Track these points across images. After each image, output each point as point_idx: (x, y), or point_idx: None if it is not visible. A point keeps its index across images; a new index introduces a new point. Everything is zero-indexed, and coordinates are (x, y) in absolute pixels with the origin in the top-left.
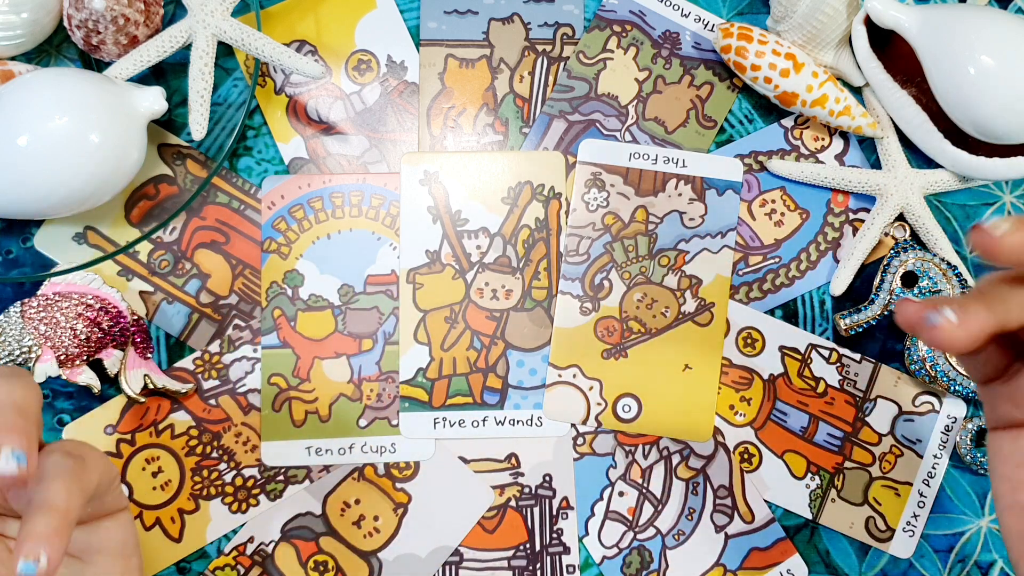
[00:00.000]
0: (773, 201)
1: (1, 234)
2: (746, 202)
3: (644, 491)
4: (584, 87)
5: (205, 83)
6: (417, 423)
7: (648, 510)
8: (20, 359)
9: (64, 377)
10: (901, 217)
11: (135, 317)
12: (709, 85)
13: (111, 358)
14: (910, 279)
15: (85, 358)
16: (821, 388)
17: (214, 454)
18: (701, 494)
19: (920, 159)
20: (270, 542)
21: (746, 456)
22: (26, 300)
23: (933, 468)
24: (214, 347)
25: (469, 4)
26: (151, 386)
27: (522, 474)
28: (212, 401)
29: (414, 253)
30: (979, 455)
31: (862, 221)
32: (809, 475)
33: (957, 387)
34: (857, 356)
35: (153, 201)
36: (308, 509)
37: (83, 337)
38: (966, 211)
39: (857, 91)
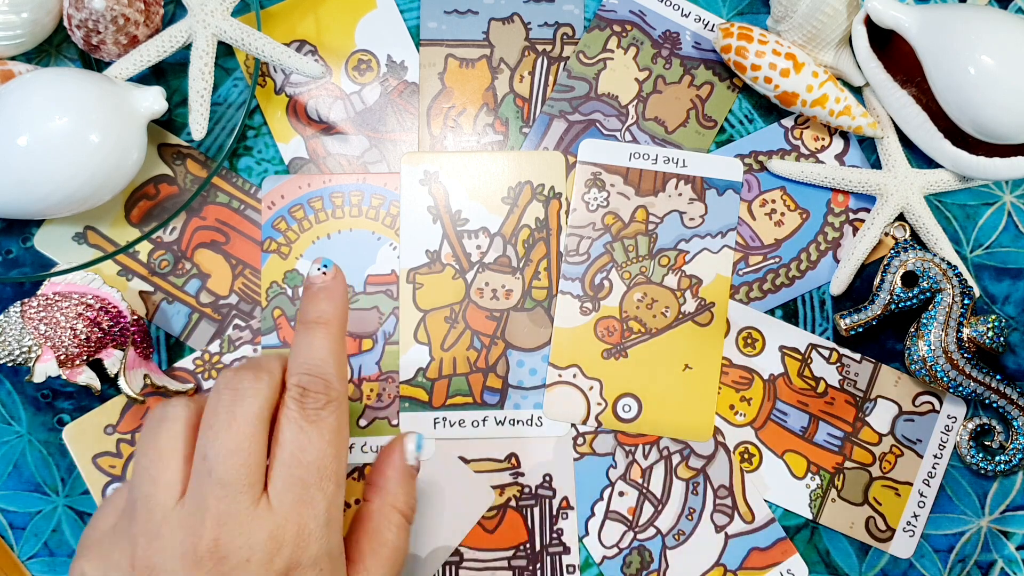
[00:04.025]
0: (773, 201)
1: (1, 234)
2: (746, 202)
3: (644, 491)
4: (584, 87)
5: (205, 83)
6: (417, 423)
7: (648, 510)
8: (20, 359)
9: (64, 377)
10: (901, 217)
11: (135, 317)
12: (709, 85)
13: (111, 358)
14: (910, 279)
15: (85, 358)
16: (821, 388)
17: None
18: (701, 494)
19: (920, 159)
20: None
21: (746, 456)
22: (26, 300)
23: (933, 468)
24: (214, 347)
25: (469, 4)
26: (151, 386)
27: (522, 474)
28: None
29: (414, 253)
30: (979, 455)
31: (862, 221)
32: (809, 475)
33: (957, 387)
34: (857, 356)
35: (153, 201)
36: None
37: (83, 337)
38: (966, 211)
39: (857, 91)
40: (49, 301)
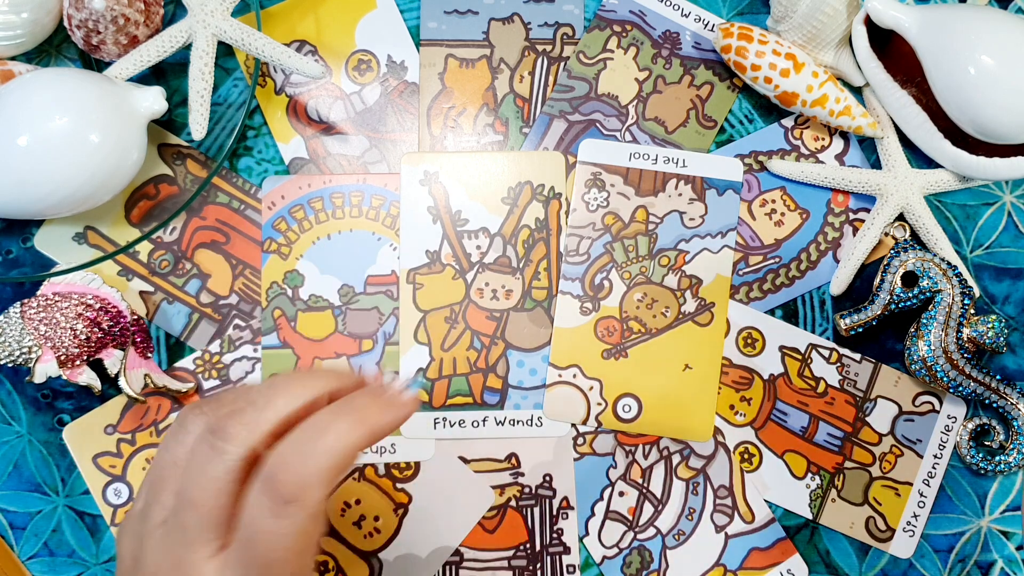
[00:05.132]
0: (773, 201)
1: (1, 234)
2: (746, 202)
3: (644, 491)
4: (584, 87)
5: (205, 83)
6: (417, 423)
7: (648, 510)
8: (20, 359)
9: (64, 377)
10: (901, 217)
11: (135, 317)
12: (709, 85)
13: (111, 358)
14: (910, 279)
15: (85, 358)
16: (821, 388)
17: None
18: (701, 494)
19: (920, 159)
20: None
21: (746, 456)
22: (26, 300)
23: (933, 468)
24: (214, 347)
25: (469, 4)
26: (152, 385)
27: (522, 474)
28: None
29: (414, 253)
30: (979, 455)
31: (862, 221)
32: (809, 475)
33: (957, 387)
34: (857, 356)
35: (153, 201)
36: None
37: (83, 337)
38: (966, 211)
39: (857, 91)
40: (49, 301)
